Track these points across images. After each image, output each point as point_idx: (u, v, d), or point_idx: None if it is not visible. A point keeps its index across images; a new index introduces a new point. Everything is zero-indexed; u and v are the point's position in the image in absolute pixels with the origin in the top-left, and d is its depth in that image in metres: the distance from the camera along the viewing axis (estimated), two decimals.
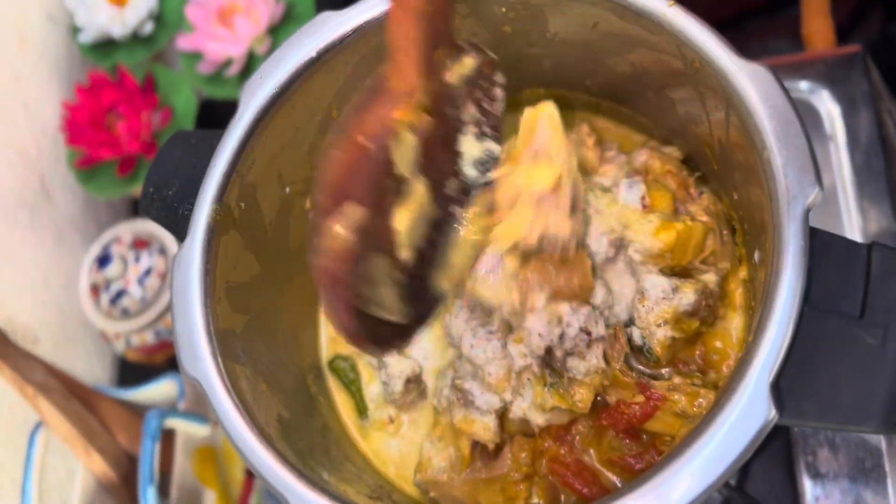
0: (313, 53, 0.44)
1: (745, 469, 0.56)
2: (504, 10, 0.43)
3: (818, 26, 0.69)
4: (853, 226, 0.57)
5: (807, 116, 0.61)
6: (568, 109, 0.50)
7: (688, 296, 0.42)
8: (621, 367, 0.43)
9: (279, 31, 0.78)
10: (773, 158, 0.35)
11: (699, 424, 0.32)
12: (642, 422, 0.42)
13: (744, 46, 0.38)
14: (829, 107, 0.61)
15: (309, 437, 0.43)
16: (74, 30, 0.84)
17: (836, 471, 0.52)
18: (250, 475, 0.71)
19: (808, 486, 0.53)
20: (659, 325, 0.42)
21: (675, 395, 0.42)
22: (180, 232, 0.42)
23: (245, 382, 0.40)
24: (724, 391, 0.33)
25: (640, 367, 0.44)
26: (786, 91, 0.35)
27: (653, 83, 0.44)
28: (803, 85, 0.61)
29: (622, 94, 0.47)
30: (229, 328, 0.41)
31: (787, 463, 0.55)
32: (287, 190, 0.47)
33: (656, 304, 0.42)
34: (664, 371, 0.44)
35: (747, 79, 0.36)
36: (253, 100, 0.43)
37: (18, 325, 0.75)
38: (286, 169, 0.46)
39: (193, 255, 0.40)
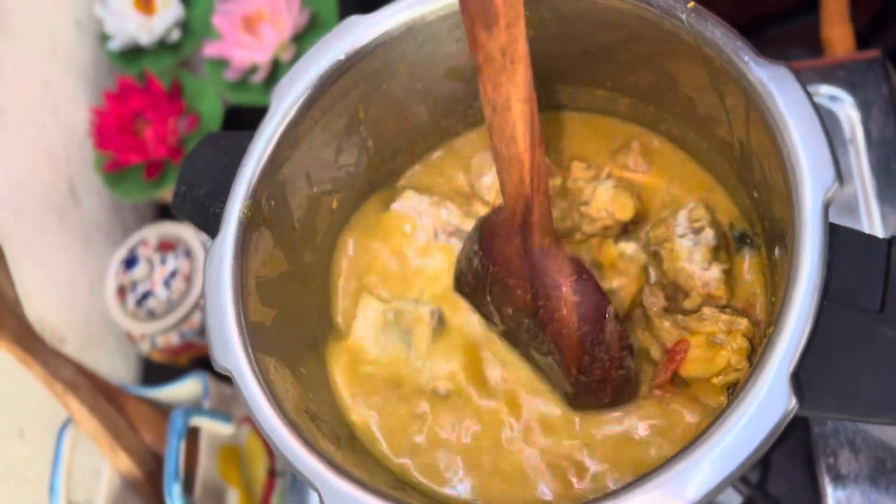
0: (341, 56, 0.45)
1: (765, 469, 0.56)
2: (528, 13, 0.44)
3: (838, 33, 0.69)
4: (874, 229, 0.58)
5: (826, 121, 0.62)
6: (588, 110, 0.51)
7: (707, 232, 0.44)
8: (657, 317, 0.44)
9: (303, 38, 0.80)
10: (793, 155, 0.35)
11: (719, 415, 0.33)
12: (682, 361, 0.43)
13: (762, 53, 0.38)
14: (848, 111, 0.61)
15: (335, 430, 0.44)
16: (103, 37, 0.86)
17: (857, 472, 0.53)
18: (272, 475, 0.72)
19: (829, 489, 0.53)
20: (706, 269, 0.43)
21: (707, 325, 0.42)
22: (212, 229, 0.43)
23: (274, 374, 0.40)
24: (744, 382, 0.33)
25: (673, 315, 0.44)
26: (805, 89, 0.36)
27: (672, 83, 0.44)
28: (823, 90, 0.62)
29: (642, 94, 0.48)
30: (259, 321, 0.42)
31: (808, 464, 0.55)
32: (314, 189, 0.48)
33: (691, 252, 0.44)
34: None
35: (767, 77, 0.37)
36: (283, 101, 0.44)
37: (46, 325, 0.77)
38: (314, 169, 0.47)
39: (225, 250, 0.42)
